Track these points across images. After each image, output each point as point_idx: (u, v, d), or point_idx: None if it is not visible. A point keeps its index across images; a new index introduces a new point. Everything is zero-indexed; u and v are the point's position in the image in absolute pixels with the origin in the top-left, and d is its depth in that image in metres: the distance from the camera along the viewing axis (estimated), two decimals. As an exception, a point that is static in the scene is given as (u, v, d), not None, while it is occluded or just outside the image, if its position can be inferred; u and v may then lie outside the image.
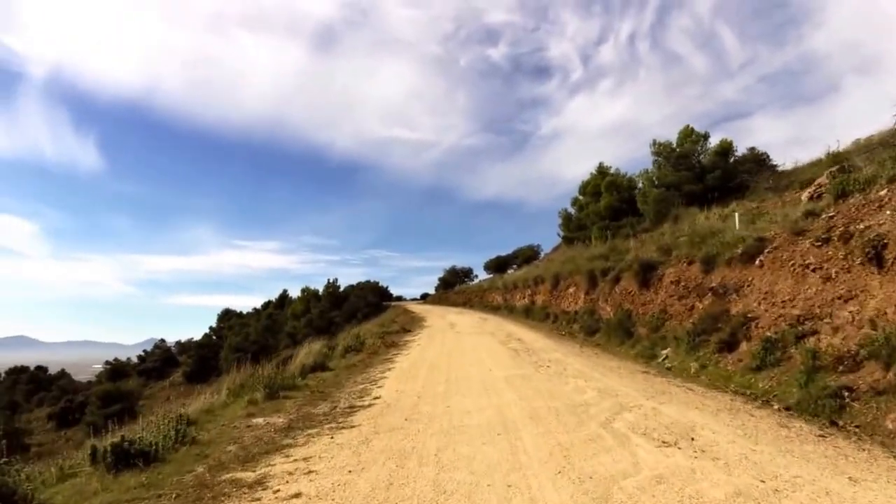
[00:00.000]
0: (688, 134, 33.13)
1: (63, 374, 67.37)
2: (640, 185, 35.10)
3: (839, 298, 11.29)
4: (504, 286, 44.05)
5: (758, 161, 32.58)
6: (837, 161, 27.00)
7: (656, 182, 33.02)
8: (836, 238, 12.07)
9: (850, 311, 10.95)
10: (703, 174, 31.20)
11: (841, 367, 10.06)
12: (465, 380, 12.32)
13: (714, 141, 32.60)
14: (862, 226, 11.68)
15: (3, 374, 68.11)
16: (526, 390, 10.75)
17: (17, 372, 66.89)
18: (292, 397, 11.99)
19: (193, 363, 51.74)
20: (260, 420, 9.92)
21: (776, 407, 9.64)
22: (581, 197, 42.61)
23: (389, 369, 14.94)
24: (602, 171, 41.71)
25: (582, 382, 11.37)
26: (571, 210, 43.50)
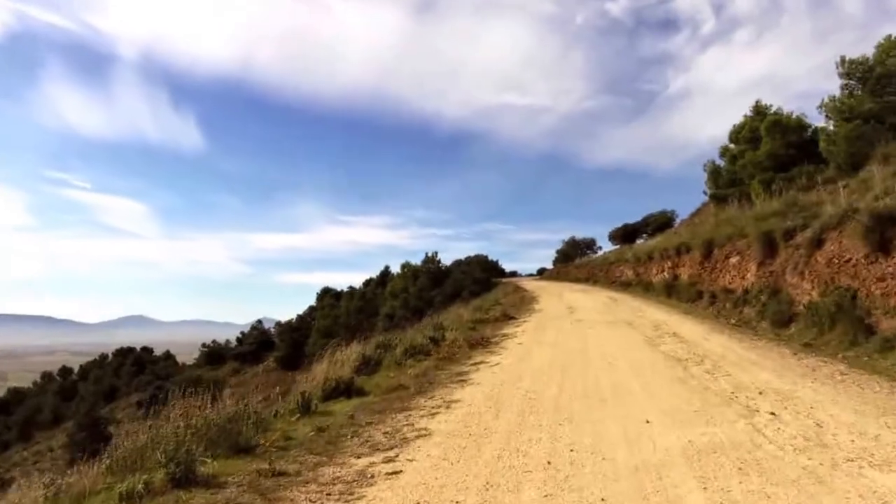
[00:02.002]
0: (892, 46, 24.12)
1: (167, 355, 65.69)
2: (824, 118, 26.24)
3: None
4: (635, 258, 36.22)
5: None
6: None
7: (847, 114, 24.32)
8: None
9: None
10: (921, 98, 22.35)
11: None
12: (596, 465, 5.32)
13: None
14: None
15: (109, 356, 67.54)
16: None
17: (124, 353, 65.88)
18: (214, 486, 5.62)
19: (286, 347, 47.55)
20: None
21: None
22: (733, 146, 33.80)
23: (450, 405, 8.14)
24: (760, 110, 32.86)
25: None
26: (720, 162, 34.87)
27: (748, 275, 19.58)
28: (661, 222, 52.53)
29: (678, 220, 52.04)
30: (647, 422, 6.54)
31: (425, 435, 6.81)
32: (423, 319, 35.24)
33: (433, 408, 8.07)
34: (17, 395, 66.95)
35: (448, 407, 8.03)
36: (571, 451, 5.70)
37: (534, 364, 10.71)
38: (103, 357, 68.03)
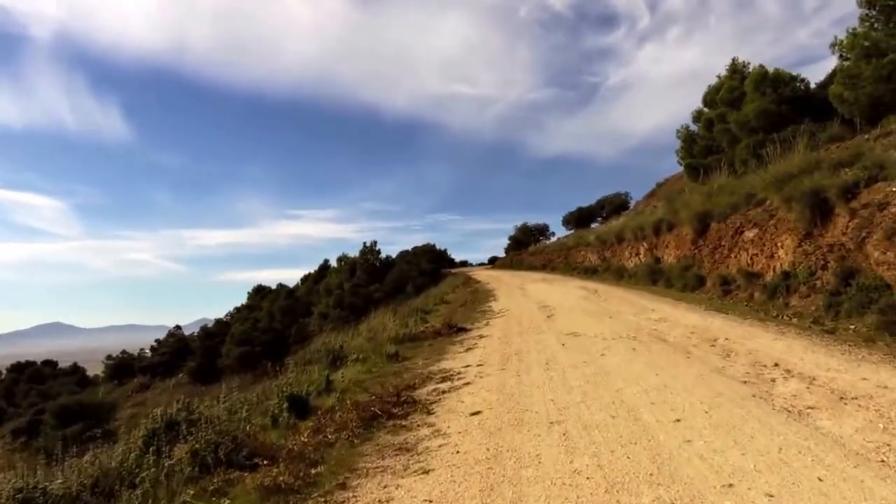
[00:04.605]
0: (922, -36, 18.02)
1: (74, 368, 53.83)
2: (838, 59, 19.85)
3: None
4: (600, 241, 29.68)
5: None
6: None
7: (873, 50, 18.21)
8: None
9: None
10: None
11: None
12: None
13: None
14: None
15: (3, 372, 55.36)
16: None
17: (20, 368, 53.80)
18: None
19: (200, 357, 39.22)
20: None
21: None
22: (708, 109, 27.70)
23: None
24: (737, 69, 26.68)
25: None
26: (695, 128, 28.62)
27: (780, 252, 13.48)
28: (616, 204, 47.15)
29: (633, 202, 46.81)
30: None
31: None
32: (360, 318, 28.36)
33: None
34: None
35: None
36: None
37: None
38: (-7, 374, 54.77)
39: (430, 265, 44.79)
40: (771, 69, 24.72)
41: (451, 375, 8.05)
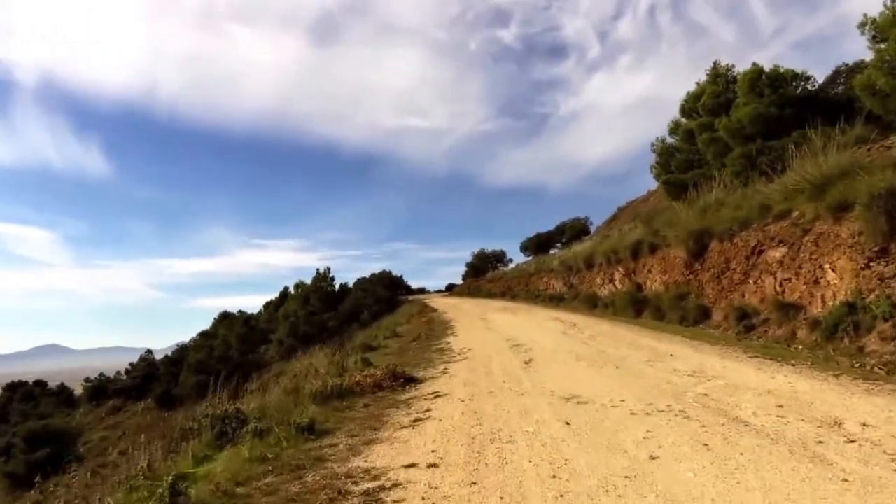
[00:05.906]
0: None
1: (62, 388, 50.65)
2: (869, 40, 16.25)
3: None
4: (565, 266, 25.91)
5: None
6: None
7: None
8: None
9: None
10: None
11: None
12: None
13: None
14: None
15: None
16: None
17: (13, 388, 49.39)
18: None
19: (165, 383, 35.33)
20: None
21: None
22: (686, 120, 24.23)
23: None
24: (720, 73, 23.29)
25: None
26: (672, 140, 25.07)
27: (829, 276, 9.82)
28: (577, 229, 43.73)
29: (593, 227, 43.43)
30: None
31: None
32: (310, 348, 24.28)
33: None
34: None
35: None
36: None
37: None
38: (-11, 394, 51.29)
39: (387, 292, 40.89)
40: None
41: (382, 489, 4.04)
